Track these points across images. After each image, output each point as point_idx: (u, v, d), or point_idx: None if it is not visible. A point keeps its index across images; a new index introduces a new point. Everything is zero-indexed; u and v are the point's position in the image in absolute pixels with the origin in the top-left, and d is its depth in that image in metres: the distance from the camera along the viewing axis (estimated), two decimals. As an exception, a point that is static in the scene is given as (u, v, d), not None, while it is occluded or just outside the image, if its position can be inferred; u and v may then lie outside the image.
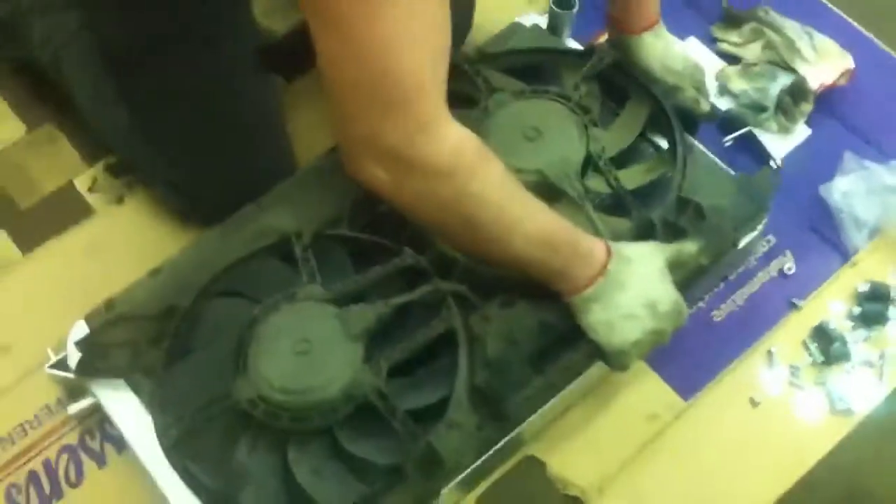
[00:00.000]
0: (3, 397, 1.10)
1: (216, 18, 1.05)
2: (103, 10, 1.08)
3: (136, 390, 0.99)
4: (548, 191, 1.02)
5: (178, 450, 0.93)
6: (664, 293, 0.93)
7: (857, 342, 1.09)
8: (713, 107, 1.12)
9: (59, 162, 1.26)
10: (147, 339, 1.01)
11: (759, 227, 1.07)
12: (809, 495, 1.02)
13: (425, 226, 0.95)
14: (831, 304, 1.12)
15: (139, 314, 1.02)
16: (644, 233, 1.00)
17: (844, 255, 1.15)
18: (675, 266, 0.96)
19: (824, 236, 1.17)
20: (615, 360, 0.95)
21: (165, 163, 1.14)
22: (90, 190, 1.24)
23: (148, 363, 1.00)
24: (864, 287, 1.12)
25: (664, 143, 1.11)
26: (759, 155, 1.20)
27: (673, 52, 1.09)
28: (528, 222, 0.89)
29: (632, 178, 1.05)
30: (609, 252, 0.92)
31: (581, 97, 1.08)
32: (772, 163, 1.18)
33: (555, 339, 0.96)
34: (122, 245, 1.19)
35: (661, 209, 1.02)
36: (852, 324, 1.10)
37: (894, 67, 1.32)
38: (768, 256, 1.15)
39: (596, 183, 1.04)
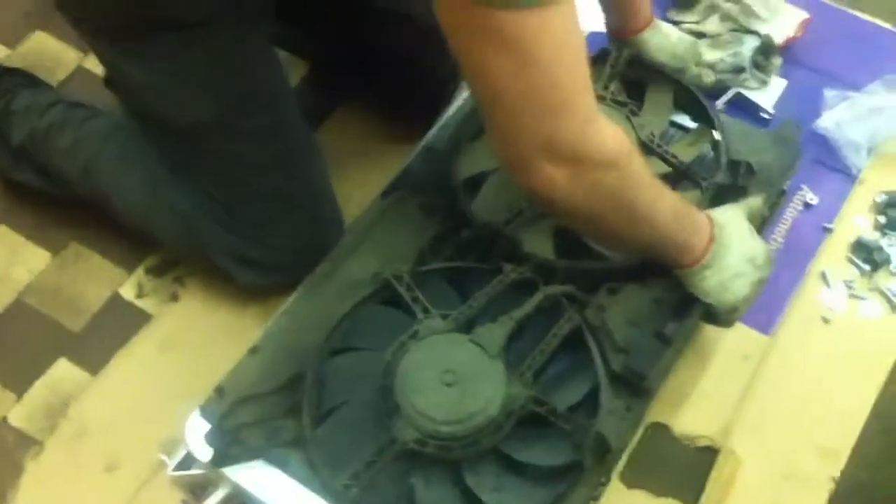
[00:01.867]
0: (129, 512, 1.09)
1: (280, 79, 1.08)
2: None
3: (283, 465, 1.01)
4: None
5: (361, 505, 0.96)
6: (757, 246, 1.02)
7: (892, 246, 1.22)
8: (713, 77, 1.23)
9: (96, 277, 1.26)
10: (280, 413, 1.03)
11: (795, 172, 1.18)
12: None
13: (584, 226, 1.00)
14: (857, 219, 1.25)
15: (261, 392, 1.03)
16: (714, 200, 1.09)
17: (851, 176, 1.29)
18: (750, 221, 1.05)
19: (829, 165, 1.30)
20: (727, 318, 1.04)
21: (233, 239, 1.15)
22: (138, 296, 1.24)
23: (288, 435, 1.01)
24: (880, 198, 1.26)
25: (683, 121, 1.21)
26: (752, 110, 1.32)
27: (673, 39, 1.20)
28: (667, 199, 0.96)
29: (682, 153, 1.14)
30: (710, 220, 1.01)
31: (613, 94, 1.17)
32: (763, 114, 1.30)
33: (668, 311, 1.04)
34: (193, 338, 1.21)
35: (718, 174, 1.12)
36: (881, 232, 1.24)
37: (838, 14, 1.46)
38: (790, 195, 1.27)
39: (653, 165, 1.12)
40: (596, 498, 0.98)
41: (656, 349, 1.02)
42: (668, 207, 0.96)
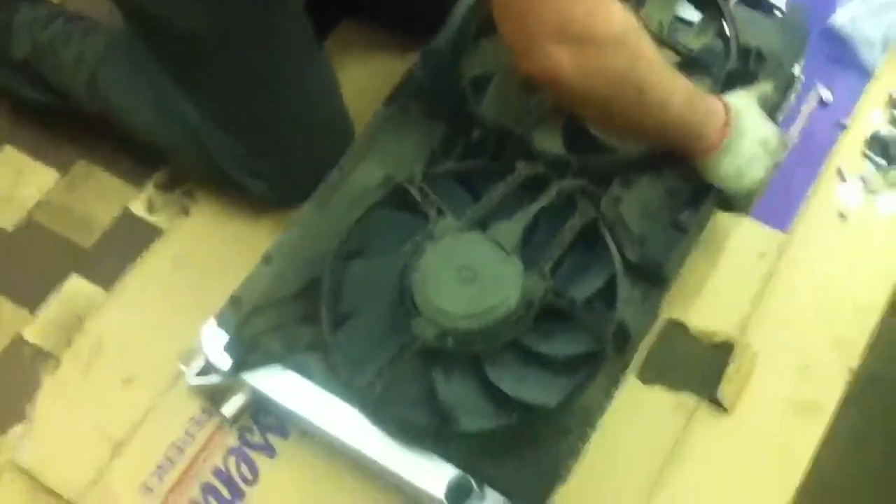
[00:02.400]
0: (146, 425, 1.09)
1: None
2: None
3: (302, 369, 1.01)
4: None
5: (385, 403, 0.96)
6: (769, 130, 1.02)
7: (907, 140, 1.22)
8: None
9: (105, 194, 1.25)
10: (296, 320, 1.03)
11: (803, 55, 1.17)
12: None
13: (593, 112, 0.99)
14: (872, 115, 1.24)
15: (277, 299, 1.03)
16: (725, 87, 1.08)
17: (866, 73, 1.27)
18: (761, 106, 1.04)
19: (843, 62, 1.29)
20: (743, 203, 1.04)
21: (243, 151, 1.14)
22: (149, 212, 1.23)
23: (306, 341, 1.02)
24: (895, 93, 1.24)
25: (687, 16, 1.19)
26: (764, 7, 1.30)
27: None
28: (679, 84, 0.95)
29: (691, 43, 1.12)
30: (723, 103, 1.00)
31: None
32: (776, 11, 1.28)
33: (682, 200, 1.04)
34: (205, 252, 1.20)
35: (728, 62, 1.10)
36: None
37: None
38: (804, 92, 1.25)
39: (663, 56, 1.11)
40: (616, 387, 0.98)
41: (672, 238, 1.02)
42: (680, 92, 0.95)
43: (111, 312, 1.16)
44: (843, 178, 1.20)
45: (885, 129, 1.22)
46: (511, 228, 1.00)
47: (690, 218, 1.03)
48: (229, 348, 1.01)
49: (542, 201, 1.02)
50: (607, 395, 0.97)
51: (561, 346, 0.97)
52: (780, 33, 1.14)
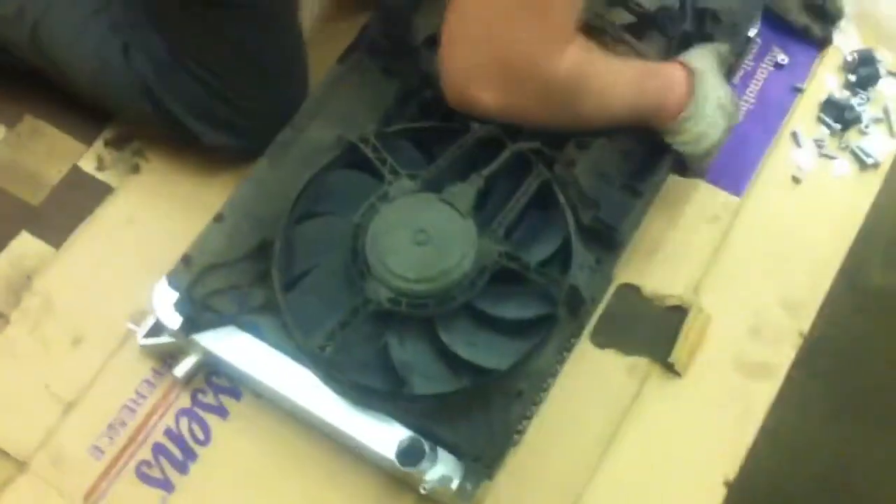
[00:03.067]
0: (96, 386, 1.07)
1: None
2: None
3: (254, 330, 1.00)
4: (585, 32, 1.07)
5: (338, 365, 0.96)
6: (727, 93, 1.02)
7: (862, 105, 1.22)
8: None
9: (54, 150, 1.22)
10: (248, 280, 1.02)
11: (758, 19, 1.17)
12: (867, 242, 1.15)
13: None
14: (828, 79, 1.24)
15: (229, 259, 1.02)
16: (680, 49, 1.07)
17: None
18: (718, 66, 1.04)
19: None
20: (700, 167, 1.04)
21: (203, 93, 1.11)
22: (99, 169, 1.20)
23: (259, 301, 1.01)
24: (851, 57, 1.25)
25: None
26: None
27: None
28: (621, 84, 0.95)
29: (647, 2, 1.11)
30: (684, 68, 0.99)
31: None
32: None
33: (637, 163, 1.04)
34: (156, 210, 1.18)
35: (684, 23, 1.09)
36: (851, 91, 1.23)
37: None
38: (761, 55, 1.25)
39: (616, 15, 1.09)
40: (568, 350, 0.99)
41: (627, 201, 1.02)
42: (626, 87, 0.96)
43: (60, 271, 1.14)
44: (797, 143, 1.20)
45: (840, 94, 1.23)
46: (465, 190, 0.99)
47: (646, 182, 1.03)
48: (179, 307, 1.00)
49: (497, 163, 1.01)
50: (560, 358, 0.98)
51: (514, 309, 0.97)
52: None
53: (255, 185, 1.06)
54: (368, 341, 0.97)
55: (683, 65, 1.00)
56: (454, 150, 1.02)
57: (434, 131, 1.06)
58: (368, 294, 0.95)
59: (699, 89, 0.99)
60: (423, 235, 0.97)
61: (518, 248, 0.99)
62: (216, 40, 1.09)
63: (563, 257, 0.99)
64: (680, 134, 1.00)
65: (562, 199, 1.01)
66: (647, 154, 1.04)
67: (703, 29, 1.10)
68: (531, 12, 0.85)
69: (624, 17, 1.10)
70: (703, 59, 1.02)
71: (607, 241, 1.01)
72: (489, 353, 0.95)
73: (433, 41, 1.09)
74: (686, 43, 1.07)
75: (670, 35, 1.09)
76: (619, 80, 0.96)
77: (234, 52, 1.10)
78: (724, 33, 1.09)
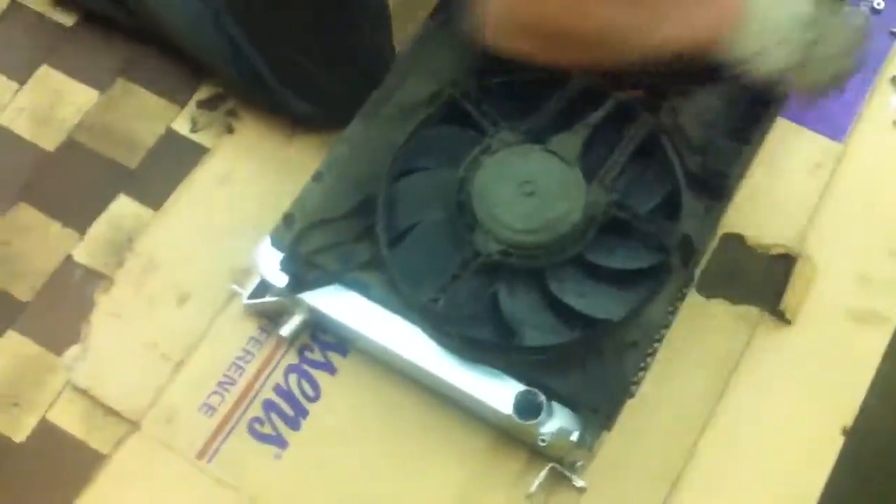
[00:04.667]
0: (203, 344, 1.08)
1: None
2: None
3: (361, 287, 1.00)
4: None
5: (448, 319, 0.95)
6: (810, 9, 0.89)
7: (966, 46, 1.19)
8: None
9: (147, 113, 1.22)
10: (351, 237, 1.01)
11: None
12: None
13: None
14: (929, 22, 1.21)
15: (330, 217, 1.02)
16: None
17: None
18: None
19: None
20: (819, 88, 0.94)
21: (289, 63, 1.11)
22: (193, 130, 1.21)
23: (363, 258, 1.00)
24: (952, -2, 1.21)
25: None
26: None
27: None
28: None
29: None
30: None
31: None
32: None
33: (742, 109, 1.02)
34: (252, 170, 1.18)
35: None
36: (951, 34, 1.20)
37: None
38: (855, 0, 1.22)
39: None
40: (681, 300, 0.98)
41: (734, 149, 1.00)
42: None
43: (160, 232, 1.15)
44: (897, 88, 1.18)
45: (944, 34, 1.20)
46: (571, 140, 0.98)
47: (752, 127, 1.01)
48: (285, 266, 1.00)
49: (601, 112, 0.99)
50: (672, 308, 0.97)
51: (624, 259, 0.96)
52: None
53: (350, 144, 1.05)
54: (477, 295, 0.96)
55: None
56: (556, 100, 1.01)
57: (533, 83, 1.04)
58: (477, 247, 0.95)
59: None
60: (530, 186, 0.96)
61: (625, 198, 0.98)
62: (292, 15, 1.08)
63: (670, 206, 0.98)
64: (732, 48, 0.88)
65: (669, 146, 0.99)
66: (753, 101, 1.02)
67: None
68: None
69: None
70: None
71: (715, 188, 0.99)
72: (601, 303, 0.95)
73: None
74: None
75: None
76: None
77: (312, 26, 1.09)
78: None
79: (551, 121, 1.01)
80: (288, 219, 1.02)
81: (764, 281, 1.08)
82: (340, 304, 1.01)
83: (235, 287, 1.08)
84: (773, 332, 1.06)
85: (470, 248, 0.95)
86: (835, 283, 1.08)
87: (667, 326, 0.97)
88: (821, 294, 1.07)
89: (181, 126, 1.21)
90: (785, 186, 1.13)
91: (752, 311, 1.07)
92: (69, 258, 1.15)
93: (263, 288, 1.05)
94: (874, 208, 1.12)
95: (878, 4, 1.22)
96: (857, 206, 1.12)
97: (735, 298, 1.07)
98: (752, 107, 1.02)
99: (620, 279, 0.96)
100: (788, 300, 1.06)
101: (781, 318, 1.05)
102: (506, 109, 1.03)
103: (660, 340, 0.96)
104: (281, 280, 1.01)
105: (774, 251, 1.09)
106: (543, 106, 1.02)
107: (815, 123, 1.15)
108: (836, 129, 1.16)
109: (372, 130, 1.06)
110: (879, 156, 1.15)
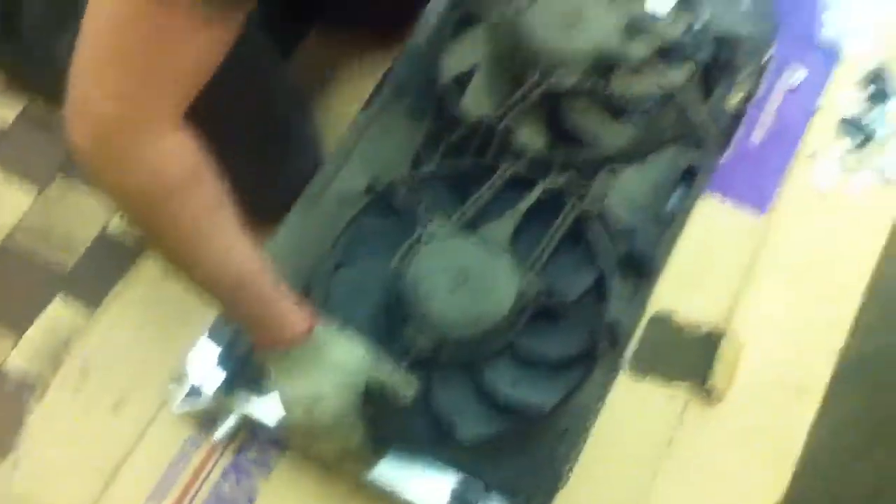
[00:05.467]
0: (139, 449, 1.08)
1: None
2: None
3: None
4: (609, 61, 1.06)
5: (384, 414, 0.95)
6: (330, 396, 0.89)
7: (879, 119, 1.22)
8: None
9: (84, 212, 1.24)
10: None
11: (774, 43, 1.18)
12: (892, 257, 1.16)
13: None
14: (843, 95, 1.25)
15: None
16: (704, 74, 1.09)
17: (834, 53, 1.28)
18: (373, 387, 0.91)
19: (810, 44, 1.28)
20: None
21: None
22: (129, 228, 1.21)
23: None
24: (864, 73, 1.25)
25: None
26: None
27: None
28: (221, 263, 0.83)
29: (667, 31, 1.11)
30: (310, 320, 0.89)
31: None
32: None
33: (667, 191, 1.05)
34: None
35: (705, 49, 1.10)
36: (868, 104, 1.24)
37: None
38: (774, 76, 1.26)
39: (638, 46, 1.09)
40: (611, 383, 0.99)
41: (659, 230, 1.03)
42: (223, 273, 0.84)
43: (97, 334, 1.16)
44: (818, 158, 1.21)
45: (857, 108, 1.23)
46: (501, 228, 1.00)
47: (676, 209, 1.04)
48: (222, 362, 1.01)
49: (529, 200, 1.02)
50: (602, 392, 0.98)
51: (554, 346, 0.98)
52: (751, 21, 1.14)
53: (288, 236, 1.08)
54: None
55: (314, 320, 0.90)
56: (486, 189, 1.04)
57: (465, 172, 1.07)
58: (410, 341, 0.96)
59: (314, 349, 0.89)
60: (462, 277, 0.97)
61: (555, 283, 0.99)
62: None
63: (599, 289, 1.00)
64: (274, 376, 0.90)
65: (597, 232, 1.02)
66: (676, 181, 1.05)
67: (723, 55, 1.11)
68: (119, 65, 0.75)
69: (647, 47, 1.09)
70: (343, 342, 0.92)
71: (642, 270, 1.02)
72: (533, 392, 0.96)
73: (460, 81, 1.11)
74: (708, 70, 1.08)
75: (694, 63, 1.09)
76: (221, 256, 0.83)
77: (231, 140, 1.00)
78: (743, 58, 1.11)
79: (484, 209, 1.03)
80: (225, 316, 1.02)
81: (693, 359, 1.09)
82: (271, 407, 0.99)
83: (172, 388, 1.07)
84: (703, 410, 1.07)
85: (403, 343, 0.96)
86: (762, 356, 1.10)
87: (597, 411, 0.98)
88: (749, 369, 1.09)
89: (117, 225, 1.22)
90: (710, 262, 1.15)
91: (681, 389, 1.08)
92: (4, 363, 1.14)
93: (197, 391, 1.04)
94: (798, 280, 1.14)
95: (797, 79, 1.26)
96: (781, 278, 1.15)
97: (666, 378, 1.08)
98: (675, 188, 1.05)
99: (551, 366, 0.98)
100: (717, 378, 1.07)
101: (711, 395, 1.07)
102: (442, 198, 1.06)
103: (591, 425, 0.97)
104: (213, 383, 1.01)
105: (702, 327, 1.11)
106: (476, 194, 1.04)
107: (737, 198, 1.18)
108: (760, 204, 1.19)
109: (309, 221, 1.08)
110: (801, 228, 1.18)
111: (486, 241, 0.99)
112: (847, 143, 1.22)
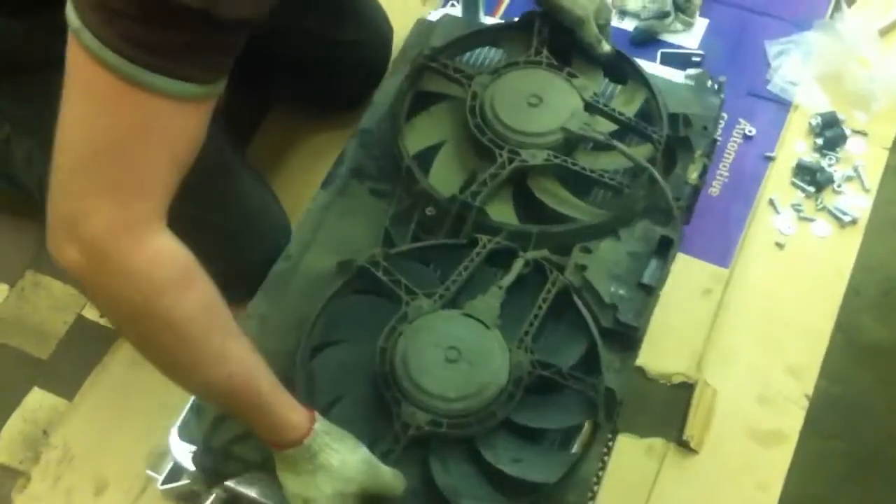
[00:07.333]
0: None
1: None
2: None
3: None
4: (574, 143, 1.10)
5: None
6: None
7: (832, 165, 1.28)
8: (613, 47, 1.18)
9: (57, 303, 1.23)
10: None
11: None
12: (857, 298, 1.21)
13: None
14: (796, 144, 1.31)
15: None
16: (665, 152, 1.11)
17: (786, 103, 1.34)
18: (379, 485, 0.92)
19: (760, 95, 1.35)
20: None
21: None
22: (102, 316, 1.20)
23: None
24: (815, 120, 1.31)
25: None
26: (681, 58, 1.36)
27: None
28: (215, 366, 0.83)
29: (625, 109, 1.14)
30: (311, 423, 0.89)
31: (547, 59, 1.16)
32: (695, 57, 1.33)
33: (644, 260, 1.06)
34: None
35: (662, 127, 1.12)
36: (820, 153, 1.29)
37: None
38: (728, 129, 1.31)
39: (598, 123, 1.12)
40: (609, 452, 1.01)
41: (641, 299, 1.05)
42: (221, 377, 0.83)
43: (75, 421, 1.15)
44: (776, 209, 1.26)
45: (809, 157, 1.29)
46: (488, 303, 1.01)
47: (655, 277, 1.06)
48: (199, 461, 0.97)
49: (511, 276, 1.03)
50: (602, 461, 1.00)
51: (552, 418, 0.99)
52: (697, 98, 1.17)
53: (257, 321, 1.05)
54: (410, 468, 0.96)
55: (313, 421, 0.89)
56: (467, 264, 1.04)
57: (442, 248, 1.08)
58: (406, 419, 0.95)
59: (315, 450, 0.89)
60: (454, 352, 0.98)
61: (547, 356, 1.00)
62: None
63: (588, 361, 1.01)
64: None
65: (582, 305, 1.03)
66: (652, 250, 1.07)
67: (678, 132, 1.12)
68: (108, 179, 0.75)
69: (607, 125, 1.12)
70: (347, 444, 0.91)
71: (627, 340, 1.03)
72: (535, 467, 0.96)
73: (421, 158, 1.11)
74: (668, 147, 1.11)
75: (656, 139, 1.11)
76: (218, 357, 0.82)
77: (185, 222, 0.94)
78: (697, 135, 1.13)
79: (465, 284, 1.04)
80: (197, 410, 0.99)
81: (668, 411, 1.13)
82: (259, 482, 0.98)
83: (151, 473, 1.06)
84: (680, 461, 1.10)
85: (398, 422, 0.96)
86: (735, 405, 1.14)
87: (598, 481, 1.00)
88: (723, 418, 1.13)
89: (91, 312, 1.22)
90: (679, 315, 1.19)
91: (658, 442, 1.11)
92: (-15, 458, 1.13)
93: (178, 471, 1.02)
94: (764, 327, 1.19)
95: (750, 131, 1.31)
96: (748, 326, 1.19)
97: (642, 432, 1.11)
98: (651, 256, 1.07)
99: (551, 439, 0.99)
100: (692, 428, 1.11)
101: (687, 447, 1.10)
102: (420, 275, 1.06)
103: (594, 495, 0.98)
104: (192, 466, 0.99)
105: (674, 380, 1.15)
106: (454, 270, 1.04)
107: (701, 252, 1.23)
108: (722, 256, 1.24)
109: (278, 305, 1.06)
110: (764, 276, 1.23)
111: (474, 315, 1.00)
112: (803, 189, 1.27)
